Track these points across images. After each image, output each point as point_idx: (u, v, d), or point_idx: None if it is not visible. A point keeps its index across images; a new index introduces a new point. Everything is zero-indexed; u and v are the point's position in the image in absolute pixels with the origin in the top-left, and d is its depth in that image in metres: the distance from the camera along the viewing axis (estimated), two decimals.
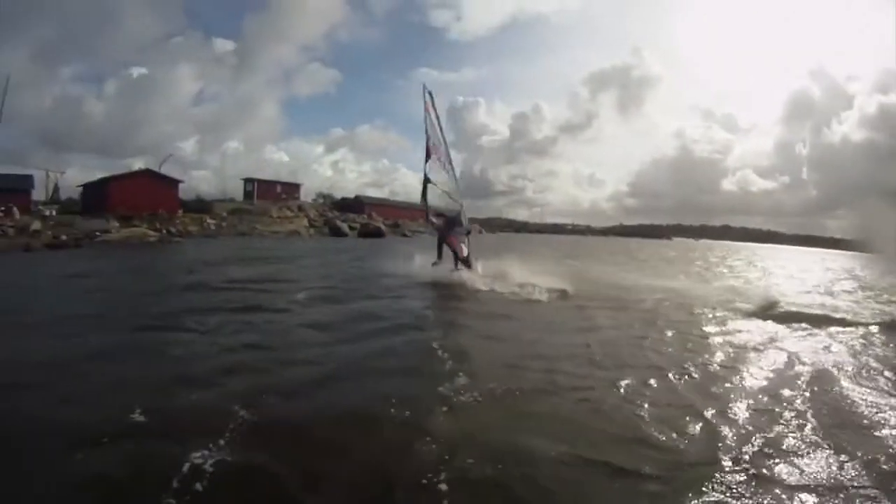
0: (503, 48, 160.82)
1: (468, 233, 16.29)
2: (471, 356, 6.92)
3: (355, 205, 68.46)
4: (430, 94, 14.71)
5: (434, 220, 14.92)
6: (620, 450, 4.19)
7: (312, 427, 4.52)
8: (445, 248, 14.88)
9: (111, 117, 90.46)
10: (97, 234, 34.61)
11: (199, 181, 71.86)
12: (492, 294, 12.64)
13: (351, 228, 54.50)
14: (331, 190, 77.77)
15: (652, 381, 6.00)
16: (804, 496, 3.59)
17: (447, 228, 15.00)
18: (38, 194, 45.54)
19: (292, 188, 65.06)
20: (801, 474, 3.89)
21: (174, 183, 48.30)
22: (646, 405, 5.20)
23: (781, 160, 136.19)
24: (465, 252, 15.01)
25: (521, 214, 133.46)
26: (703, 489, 3.62)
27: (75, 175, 74.33)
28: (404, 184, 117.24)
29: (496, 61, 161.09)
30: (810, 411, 5.21)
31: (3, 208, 35.77)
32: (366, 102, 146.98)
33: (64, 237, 31.81)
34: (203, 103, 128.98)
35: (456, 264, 14.62)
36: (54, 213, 40.94)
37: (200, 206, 49.96)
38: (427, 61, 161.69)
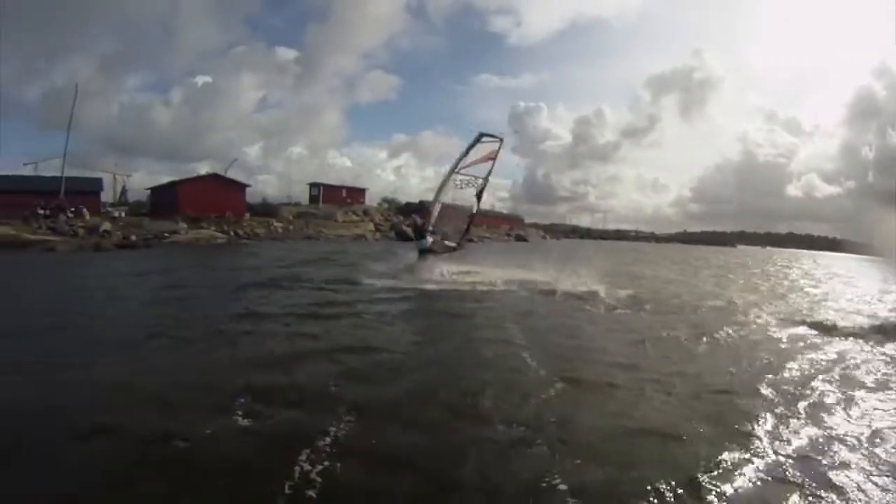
0: (563, 52, 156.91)
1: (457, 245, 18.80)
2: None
3: (420, 210, 65.64)
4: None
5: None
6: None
7: (408, 404, 5.64)
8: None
9: (176, 124, 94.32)
10: (166, 235, 34.57)
11: (263, 185, 72.51)
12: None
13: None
14: (394, 195, 76.34)
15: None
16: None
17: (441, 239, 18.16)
18: (106, 197, 46.93)
19: (357, 193, 64.61)
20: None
21: (241, 187, 48.50)
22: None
23: (846, 164, 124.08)
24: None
25: (584, 220, 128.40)
26: None
27: (141, 179, 77.93)
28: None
29: (557, 66, 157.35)
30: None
31: (73, 209, 36.53)
32: (428, 109, 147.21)
33: (133, 237, 32.04)
34: (266, 110, 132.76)
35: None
36: (123, 214, 41.90)
37: (267, 210, 49.92)
38: (488, 67, 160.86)
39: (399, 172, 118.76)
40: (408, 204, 70.02)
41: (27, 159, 46.49)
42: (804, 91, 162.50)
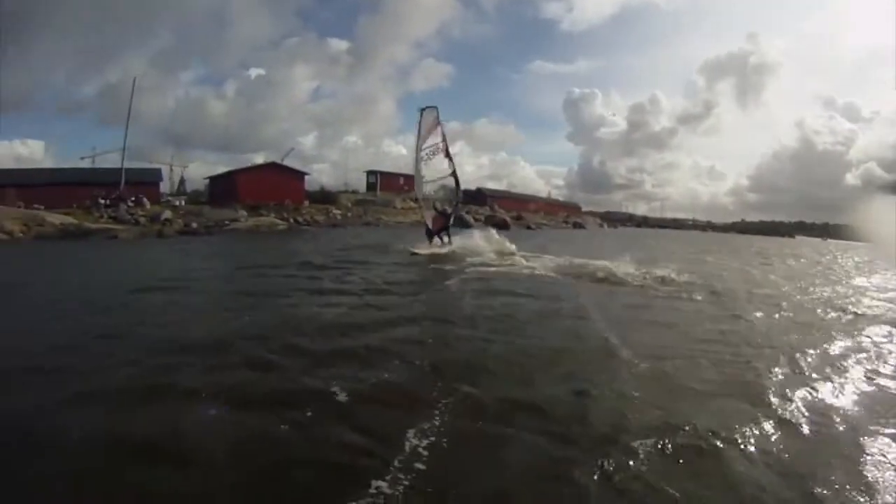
0: (616, 37, 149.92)
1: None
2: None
3: (477, 196, 64.55)
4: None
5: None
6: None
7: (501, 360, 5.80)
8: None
9: (231, 116, 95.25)
10: (226, 222, 33.54)
11: (318, 174, 72.05)
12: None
13: (475, 220, 50.35)
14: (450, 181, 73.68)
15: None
16: None
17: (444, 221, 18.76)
18: (164, 188, 46.82)
19: (410, 179, 61.73)
20: None
21: (300, 175, 47.69)
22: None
23: None
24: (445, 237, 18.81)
25: (640, 208, 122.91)
26: None
27: (197, 169, 79.28)
28: (522, 176, 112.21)
29: (610, 51, 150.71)
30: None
31: (133, 199, 36.44)
32: (481, 96, 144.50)
33: (195, 225, 31.18)
34: (320, 100, 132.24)
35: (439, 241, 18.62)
36: (183, 203, 41.69)
37: (325, 197, 48.69)
38: (541, 53, 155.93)
39: (454, 160, 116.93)
40: (465, 191, 67.88)
41: (84, 153, 47.07)
42: (863, 76, 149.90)
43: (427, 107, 19.22)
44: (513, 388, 4.98)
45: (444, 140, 18.86)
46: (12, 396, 4.57)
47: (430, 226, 18.66)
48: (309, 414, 4.20)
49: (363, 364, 5.44)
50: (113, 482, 3.26)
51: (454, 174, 18.94)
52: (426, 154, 18.82)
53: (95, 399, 4.47)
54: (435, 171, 18.95)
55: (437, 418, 4.13)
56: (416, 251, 17.53)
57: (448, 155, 18.89)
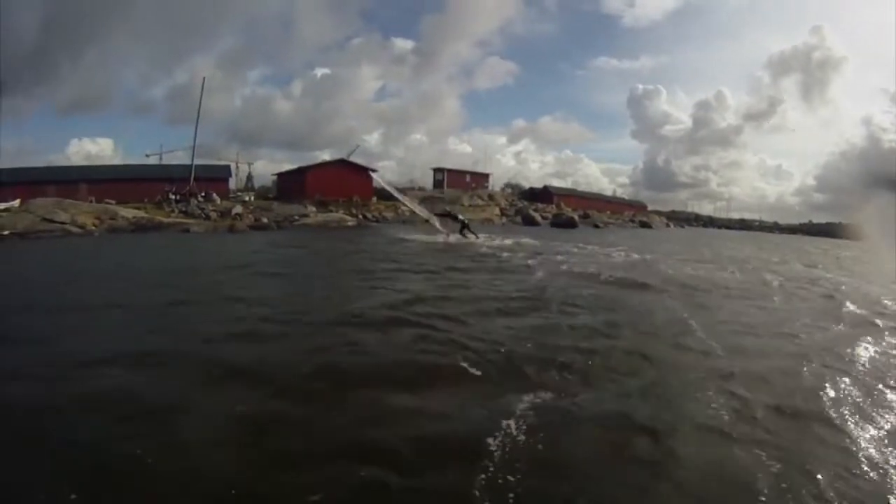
0: (679, 33, 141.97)
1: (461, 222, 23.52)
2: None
3: (543, 194, 62.26)
4: None
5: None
6: None
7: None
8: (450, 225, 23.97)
9: (297, 114, 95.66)
10: (296, 217, 32.36)
11: (384, 171, 71.52)
12: None
13: (543, 218, 50.06)
14: (514, 179, 71.40)
15: None
16: None
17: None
18: (231, 184, 46.27)
19: (481, 178, 60.57)
20: None
21: (368, 171, 45.38)
22: None
23: None
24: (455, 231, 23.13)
25: (705, 208, 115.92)
26: None
27: (264, 167, 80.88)
28: (587, 174, 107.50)
29: (674, 47, 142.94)
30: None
31: (203, 194, 36.02)
32: (546, 94, 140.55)
33: (265, 220, 30.04)
34: (385, 98, 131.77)
35: (462, 233, 22.72)
36: (252, 198, 41.14)
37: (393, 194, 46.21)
38: (604, 50, 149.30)
39: (519, 157, 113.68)
40: (531, 189, 65.73)
41: (150, 151, 47.07)
42: None
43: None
44: None
45: None
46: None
47: (439, 225, 24.53)
48: None
49: None
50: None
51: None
52: None
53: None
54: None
55: None
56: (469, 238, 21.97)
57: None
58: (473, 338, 5.96)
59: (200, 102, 42.48)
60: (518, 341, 5.92)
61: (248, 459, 3.28)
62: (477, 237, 22.33)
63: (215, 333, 6.01)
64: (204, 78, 42.42)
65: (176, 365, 4.95)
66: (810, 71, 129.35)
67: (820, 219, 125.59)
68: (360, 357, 5.30)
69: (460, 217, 23.71)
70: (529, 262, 14.36)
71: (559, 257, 15.97)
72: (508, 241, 21.02)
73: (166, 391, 4.29)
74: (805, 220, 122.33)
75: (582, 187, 76.82)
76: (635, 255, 17.85)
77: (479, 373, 4.91)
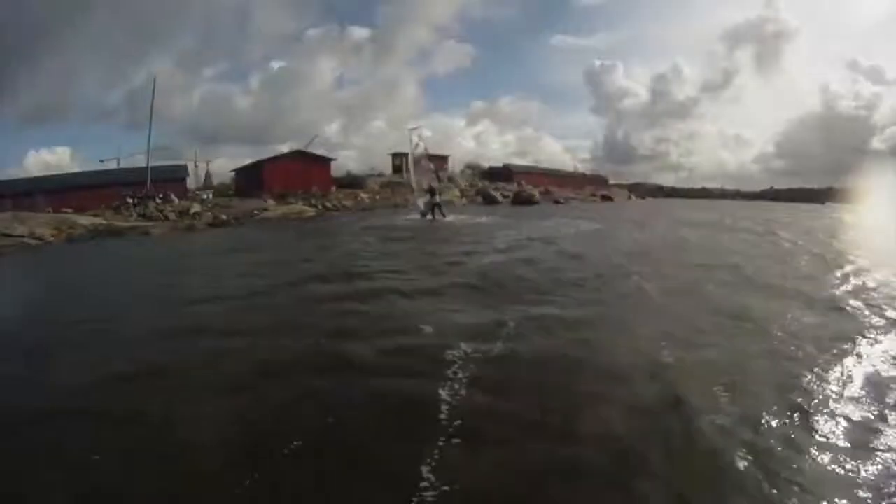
0: (635, 8, 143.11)
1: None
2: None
3: (504, 173, 63.25)
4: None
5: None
6: None
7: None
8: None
9: (256, 109, 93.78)
10: (255, 212, 33.08)
11: (346, 160, 71.07)
12: None
13: (503, 196, 51.44)
14: (475, 160, 71.94)
15: None
16: None
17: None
18: (190, 183, 46.05)
19: (440, 160, 60.44)
20: None
21: (326, 161, 46.86)
22: None
23: None
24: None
25: (667, 179, 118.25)
26: None
27: (225, 163, 79.89)
28: (549, 152, 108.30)
29: (629, 22, 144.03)
30: None
31: (161, 196, 36.06)
32: (504, 74, 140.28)
33: (224, 217, 30.56)
34: (344, 87, 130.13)
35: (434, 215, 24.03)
36: (210, 196, 41.33)
37: (353, 182, 48.18)
38: (561, 28, 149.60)
39: (479, 139, 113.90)
40: (490, 168, 66.86)
41: (105, 157, 46.57)
42: (886, 37, 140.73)
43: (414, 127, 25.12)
44: None
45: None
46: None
47: (422, 207, 24.87)
48: None
49: None
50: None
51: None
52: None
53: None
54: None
55: None
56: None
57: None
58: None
59: (152, 103, 42.19)
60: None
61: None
62: (445, 217, 24.05)
63: None
64: (154, 78, 42.29)
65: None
66: (765, 42, 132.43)
67: (782, 184, 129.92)
68: None
69: (437, 198, 24.71)
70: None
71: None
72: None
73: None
74: (767, 187, 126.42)
75: (544, 164, 78.02)
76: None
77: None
